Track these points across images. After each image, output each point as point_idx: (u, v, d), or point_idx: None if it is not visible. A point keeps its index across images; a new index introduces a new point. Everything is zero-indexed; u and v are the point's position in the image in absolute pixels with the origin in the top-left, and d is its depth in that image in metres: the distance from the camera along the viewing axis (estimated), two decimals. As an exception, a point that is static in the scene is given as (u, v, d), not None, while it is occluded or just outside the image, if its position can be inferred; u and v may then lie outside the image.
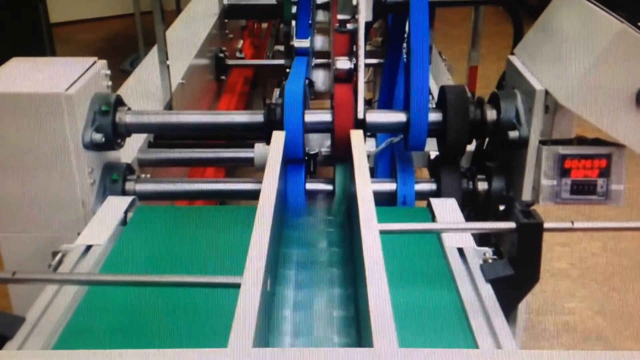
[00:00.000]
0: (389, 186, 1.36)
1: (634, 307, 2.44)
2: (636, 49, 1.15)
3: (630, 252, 2.73)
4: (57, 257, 1.07)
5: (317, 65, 2.04)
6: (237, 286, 0.77)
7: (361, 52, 1.30)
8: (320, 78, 2.03)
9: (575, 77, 1.20)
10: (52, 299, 0.95)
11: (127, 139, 1.40)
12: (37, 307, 0.93)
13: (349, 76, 1.40)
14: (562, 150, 1.24)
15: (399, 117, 1.32)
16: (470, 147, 1.41)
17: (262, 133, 1.32)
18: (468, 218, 1.30)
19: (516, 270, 0.95)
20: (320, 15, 2.18)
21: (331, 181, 1.35)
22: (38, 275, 0.94)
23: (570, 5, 1.32)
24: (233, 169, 2.14)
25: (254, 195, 1.01)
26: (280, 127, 1.26)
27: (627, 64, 1.16)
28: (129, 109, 1.36)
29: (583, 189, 1.23)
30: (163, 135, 1.62)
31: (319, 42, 2.13)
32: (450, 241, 1.08)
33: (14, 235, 1.29)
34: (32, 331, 0.88)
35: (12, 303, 1.23)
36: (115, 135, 1.32)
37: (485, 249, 1.06)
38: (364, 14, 1.30)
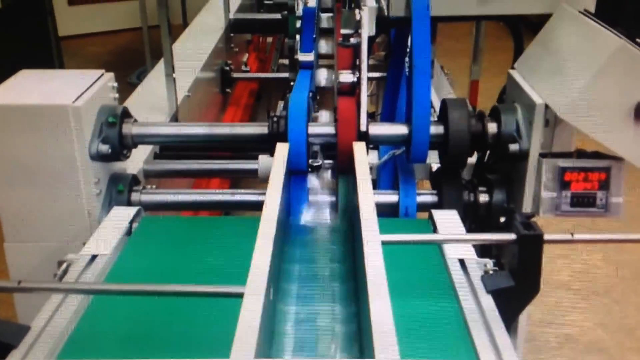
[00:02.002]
0: (391, 198, 1.37)
1: (635, 319, 2.43)
2: (634, 64, 1.17)
3: (630, 264, 2.73)
4: (63, 267, 1.08)
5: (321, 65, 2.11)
6: (240, 296, 0.78)
7: (364, 66, 1.32)
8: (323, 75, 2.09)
9: (574, 91, 1.21)
10: (57, 308, 0.96)
11: (133, 150, 1.41)
12: (42, 316, 0.93)
13: (352, 89, 1.42)
14: (562, 163, 1.25)
15: (401, 129, 1.33)
16: (472, 160, 1.42)
17: (266, 145, 1.34)
18: (469, 230, 1.31)
19: (517, 281, 0.96)
20: (325, 22, 2.22)
21: (334, 192, 1.36)
22: (43, 284, 0.95)
23: (569, 21, 1.34)
24: (238, 180, 2.15)
25: (258, 206, 1.02)
26: (284, 139, 1.27)
27: (625, 78, 1.18)
28: (135, 120, 1.38)
29: (583, 202, 1.24)
30: (169, 147, 1.64)
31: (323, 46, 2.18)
32: (452, 252, 1.09)
33: (20, 245, 1.30)
34: (36, 340, 0.89)
35: (17, 312, 1.24)
36: (122, 147, 1.34)
37: (486, 260, 1.07)
38: (367, 29, 1.32)
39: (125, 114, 1.37)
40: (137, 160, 1.50)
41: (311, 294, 1.00)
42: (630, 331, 2.40)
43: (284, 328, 0.92)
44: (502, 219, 1.33)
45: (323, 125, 1.37)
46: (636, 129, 1.19)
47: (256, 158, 1.45)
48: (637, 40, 1.18)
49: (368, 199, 1.01)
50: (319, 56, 2.08)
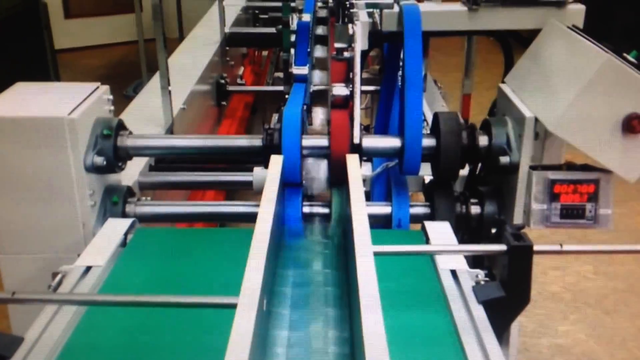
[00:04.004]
0: (384, 209, 1.38)
1: (627, 330, 2.45)
2: (621, 78, 1.19)
3: (621, 276, 2.75)
4: (57, 278, 1.08)
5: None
6: (233, 307, 0.79)
7: (357, 79, 1.34)
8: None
9: (563, 105, 1.23)
10: (51, 319, 0.96)
11: (128, 162, 1.42)
12: (36, 327, 0.94)
13: (346, 102, 1.44)
14: (552, 175, 1.27)
15: (394, 142, 1.35)
16: (463, 172, 1.44)
17: (260, 157, 1.35)
18: (462, 241, 1.32)
19: (507, 292, 0.97)
20: (320, 31, 2.27)
21: (328, 204, 1.37)
22: (37, 296, 0.95)
23: (558, 36, 1.37)
24: (233, 192, 2.16)
25: (253, 217, 1.03)
26: (278, 151, 1.29)
27: (612, 92, 1.20)
28: (131, 133, 1.39)
29: (572, 213, 1.26)
30: (164, 159, 1.65)
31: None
32: (444, 263, 1.10)
33: (14, 257, 1.30)
34: (30, 351, 0.89)
35: (11, 323, 1.24)
36: (117, 159, 1.35)
37: (478, 271, 1.08)
38: (360, 43, 1.35)
39: (121, 127, 1.38)
40: (132, 172, 1.51)
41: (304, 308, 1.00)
42: (622, 342, 2.41)
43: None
44: (494, 230, 1.35)
45: (317, 137, 1.38)
46: (624, 142, 1.21)
47: (251, 170, 1.46)
48: (624, 55, 1.21)
49: (361, 210, 1.02)
50: (314, 60, 2.10)
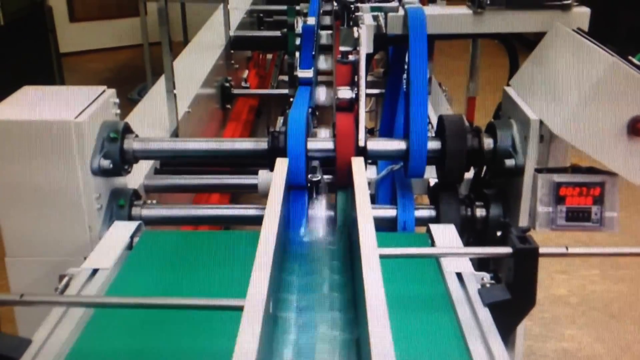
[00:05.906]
0: (389, 212, 1.38)
1: (633, 334, 2.44)
2: (626, 81, 1.19)
3: (628, 280, 2.74)
4: (64, 281, 1.09)
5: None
6: (239, 309, 0.79)
7: (362, 82, 1.34)
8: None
9: (568, 107, 1.23)
10: (58, 322, 0.97)
11: (134, 166, 1.43)
12: (44, 330, 0.94)
13: (351, 105, 1.45)
14: (557, 178, 1.27)
15: (399, 145, 1.35)
16: (469, 175, 1.44)
17: (265, 160, 1.35)
18: (467, 244, 1.32)
19: (513, 294, 0.97)
20: (324, 39, 2.27)
21: (333, 207, 1.37)
22: (45, 298, 0.96)
23: (563, 39, 1.37)
24: (237, 195, 2.17)
25: (258, 220, 1.03)
26: (283, 154, 1.29)
27: (618, 95, 1.20)
28: (137, 136, 1.40)
29: (578, 216, 1.25)
30: (169, 162, 1.66)
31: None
32: (449, 266, 1.10)
33: (21, 260, 1.31)
34: (38, 353, 0.90)
35: (18, 326, 1.25)
36: (123, 162, 1.36)
37: (483, 273, 1.08)
38: (365, 46, 1.35)
39: (127, 130, 1.39)
40: (138, 175, 1.51)
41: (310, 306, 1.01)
42: (627, 346, 2.41)
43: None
44: (499, 233, 1.35)
45: (322, 140, 1.39)
46: (629, 144, 1.21)
47: (256, 173, 1.46)
48: (629, 58, 1.21)
49: (366, 213, 1.02)
50: (318, 72, 2.11)
